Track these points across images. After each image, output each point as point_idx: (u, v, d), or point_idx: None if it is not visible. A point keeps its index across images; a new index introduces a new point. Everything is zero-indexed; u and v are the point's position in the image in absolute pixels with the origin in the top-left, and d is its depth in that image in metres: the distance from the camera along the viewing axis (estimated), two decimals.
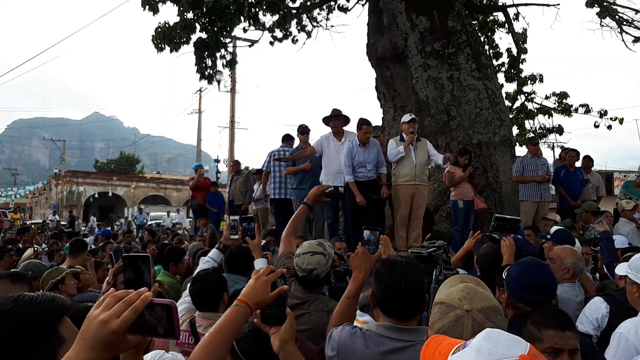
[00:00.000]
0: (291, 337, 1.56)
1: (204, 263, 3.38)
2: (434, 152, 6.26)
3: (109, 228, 18.30)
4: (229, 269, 3.54)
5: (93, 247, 8.42)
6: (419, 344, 1.70)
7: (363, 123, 6.05)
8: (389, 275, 1.85)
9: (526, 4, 10.73)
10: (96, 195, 37.37)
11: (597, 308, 2.78)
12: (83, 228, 18.58)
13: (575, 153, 8.00)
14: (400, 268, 1.86)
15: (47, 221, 23.51)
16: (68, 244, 5.99)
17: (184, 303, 2.98)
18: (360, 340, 1.80)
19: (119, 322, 0.99)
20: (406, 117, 6.26)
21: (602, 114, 11.29)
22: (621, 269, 2.72)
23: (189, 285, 3.04)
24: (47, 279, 3.39)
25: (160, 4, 8.13)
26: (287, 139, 7.92)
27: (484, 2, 11.38)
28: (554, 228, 4.70)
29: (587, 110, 11.48)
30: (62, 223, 22.38)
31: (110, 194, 37.88)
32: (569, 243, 3.73)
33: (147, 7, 7.97)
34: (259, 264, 3.43)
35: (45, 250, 7.14)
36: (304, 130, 7.05)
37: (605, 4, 9.77)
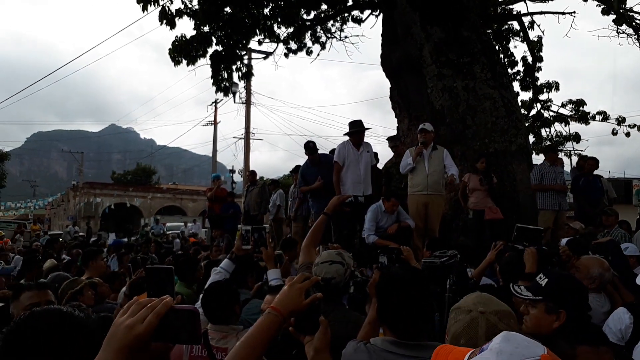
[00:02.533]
0: (326, 346, 1.50)
1: (216, 274, 3.37)
2: (449, 162, 6.18)
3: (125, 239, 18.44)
4: None
5: (106, 258, 8.48)
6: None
7: (392, 195, 5.98)
8: (390, 291, 1.82)
9: (541, 13, 10.67)
10: (112, 207, 37.80)
11: (620, 319, 2.71)
12: (94, 239, 18.85)
13: (595, 161, 7.90)
14: (401, 284, 1.81)
15: (63, 232, 23.88)
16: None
17: None
18: (364, 355, 1.76)
19: (144, 326, 1.02)
20: (419, 127, 6.27)
21: (620, 121, 11.12)
22: None
23: (200, 296, 3.04)
24: (66, 290, 3.41)
25: (177, 18, 8.26)
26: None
27: (499, 12, 11.34)
28: (563, 241, 4.69)
29: (605, 118, 11.30)
30: (81, 234, 22.64)
31: (127, 205, 38.31)
32: (585, 252, 3.70)
33: (165, 21, 8.10)
34: (272, 274, 3.41)
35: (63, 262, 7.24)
36: (312, 151, 7.04)
37: (621, 11, 9.66)
